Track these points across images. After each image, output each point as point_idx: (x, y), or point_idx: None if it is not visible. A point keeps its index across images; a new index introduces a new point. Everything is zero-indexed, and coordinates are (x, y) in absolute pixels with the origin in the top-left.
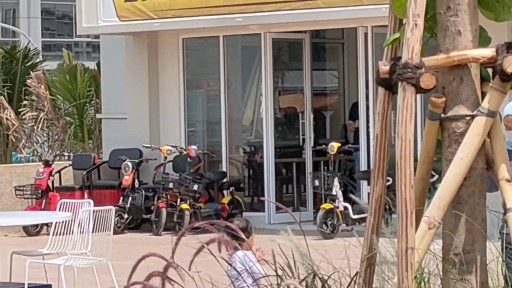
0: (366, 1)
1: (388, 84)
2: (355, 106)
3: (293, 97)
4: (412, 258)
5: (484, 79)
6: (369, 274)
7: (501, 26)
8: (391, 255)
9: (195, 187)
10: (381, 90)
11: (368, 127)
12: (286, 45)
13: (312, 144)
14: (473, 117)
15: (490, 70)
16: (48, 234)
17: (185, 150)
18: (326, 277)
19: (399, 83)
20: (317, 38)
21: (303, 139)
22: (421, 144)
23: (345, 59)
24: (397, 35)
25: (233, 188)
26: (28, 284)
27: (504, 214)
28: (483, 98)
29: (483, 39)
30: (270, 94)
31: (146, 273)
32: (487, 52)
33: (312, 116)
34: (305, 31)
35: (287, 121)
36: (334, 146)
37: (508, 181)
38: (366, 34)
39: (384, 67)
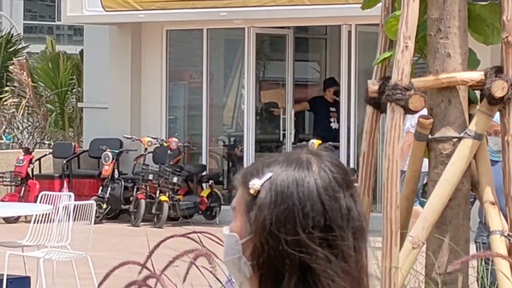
0: (351, 0)
1: (377, 104)
2: (315, 100)
3: (275, 92)
4: (396, 277)
5: (471, 102)
6: None
7: (484, 48)
8: (375, 271)
9: (175, 179)
10: (369, 109)
11: (349, 126)
12: (269, 39)
13: (292, 140)
14: (460, 139)
15: (478, 93)
16: (26, 222)
17: (165, 142)
18: None
19: (388, 104)
20: (300, 33)
21: (284, 134)
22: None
23: (328, 54)
24: (386, 54)
25: (212, 181)
26: (7, 276)
27: (488, 236)
28: (470, 120)
29: (472, 62)
30: (252, 88)
31: (125, 273)
32: (476, 75)
33: (293, 111)
34: (288, 27)
35: (268, 115)
36: (314, 143)
37: (492, 203)
38: (349, 32)
39: (373, 86)
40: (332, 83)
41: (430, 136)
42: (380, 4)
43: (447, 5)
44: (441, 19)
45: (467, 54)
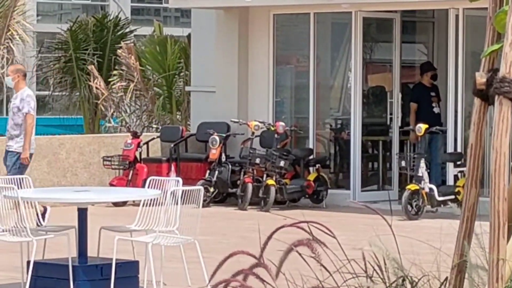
0: None
1: (484, 95)
2: (416, 88)
3: (382, 76)
4: (503, 269)
5: None
6: (459, 281)
7: None
8: (482, 262)
9: (282, 163)
10: (477, 101)
11: (456, 109)
12: (376, 22)
13: (399, 124)
14: None
15: None
16: (134, 205)
17: (272, 126)
18: (415, 280)
19: (496, 97)
20: (408, 16)
21: (391, 118)
22: None
23: (435, 37)
24: (495, 46)
25: (319, 165)
26: (116, 260)
27: None
28: None
29: None
30: (359, 71)
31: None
32: None
33: (400, 95)
34: (395, 10)
35: (375, 99)
36: (421, 127)
37: None
38: (457, 16)
39: (481, 78)
40: (429, 67)
41: None
42: None
43: None
44: None
45: None
